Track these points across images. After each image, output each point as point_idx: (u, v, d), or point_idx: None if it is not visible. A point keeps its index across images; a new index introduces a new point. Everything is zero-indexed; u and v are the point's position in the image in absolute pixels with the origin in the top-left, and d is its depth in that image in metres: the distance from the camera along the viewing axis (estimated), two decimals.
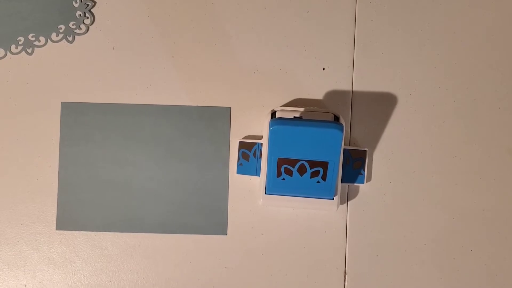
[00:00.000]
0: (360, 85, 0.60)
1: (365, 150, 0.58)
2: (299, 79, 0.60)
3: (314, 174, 0.52)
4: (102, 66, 0.60)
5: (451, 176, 0.59)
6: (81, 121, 0.60)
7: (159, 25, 0.60)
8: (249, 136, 0.59)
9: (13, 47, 0.60)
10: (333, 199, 0.55)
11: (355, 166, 0.58)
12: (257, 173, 0.57)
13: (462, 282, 0.58)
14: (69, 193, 0.59)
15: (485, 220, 0.59)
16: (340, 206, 0.59)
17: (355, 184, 0.58)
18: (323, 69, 0.60)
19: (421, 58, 0.60)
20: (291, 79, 0.60)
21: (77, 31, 0.60)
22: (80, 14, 0.60)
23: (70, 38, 0.60)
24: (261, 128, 0.59)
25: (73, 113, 0.60)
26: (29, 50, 0.60)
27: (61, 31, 0.60)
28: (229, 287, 0.59)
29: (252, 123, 0.59)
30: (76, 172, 0.60)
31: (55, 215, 0.59)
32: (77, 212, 0.59)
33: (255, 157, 0.57)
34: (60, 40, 0.60)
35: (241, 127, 0.59)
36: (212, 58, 0.60)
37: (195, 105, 0.60)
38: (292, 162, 0.52)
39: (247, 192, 0.59)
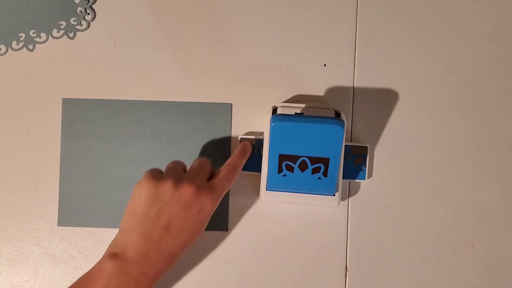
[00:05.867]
0: (361, 81, 0.60)
1: (366, 146, 0.58)
2: (300, 75, 0.60)
3: (315, 171, 0.52)
4: (103, 62, 0.60)
5: (452, 172, 0.59)
6: (82, 117, 0.60)
7: (160, 21, 0.60)
8: (250, 132, 0.59)
9: (14, 43, 0.60)
10: (334, 195, 0.55)
11: (356, 162, 0.58)
12: (258, 169, 0.57)
13: (463, 278, 0.58)
14: (71, 189, 0.59)
15: (486, 216, 0.59)
16: (341, 202, 0.59)
17: (356, 180, 0.58)
18: (324, 65, 0.60)
19: (422, 54, 0.60)
20: (292, 75, 0.60)
21: (78, 27, 0.60)
22: (81, 10, 0.60)
23: (71, 34, 0.60)
24: (263, 124, 0.59)
25: (74, 109, 0.60)
26: (30, 46, 0.60)
27: (62, 27, 0.60)
28: (231, 282, 0.59)
29: (253, 119, 0.59)
30: (77, 168, 0.60)
31: (57, 211, 0.59)
32: (78, 208, 0.59)
33: (256, 153, 0.57)
34: (61, 36, 0.60)
35: (243, 123, 0.59)
36: (213, 54, 0.60)
37: (197, 101, 0.60)
38: (293, 159, 0.52)
39: (248, 188, 0.59)
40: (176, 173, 0.51)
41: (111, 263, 0.48)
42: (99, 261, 0.50)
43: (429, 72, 0.60)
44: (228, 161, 0.54)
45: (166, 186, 0.49)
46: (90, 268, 0.47)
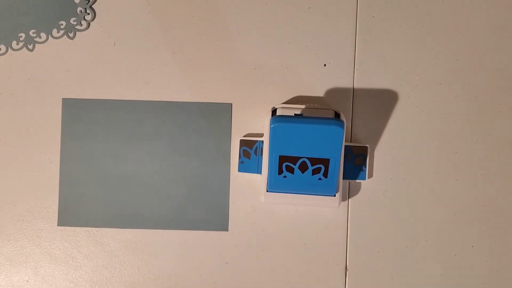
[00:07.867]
0: (361, 81, 0.60)
1: (366, 147, 0.58)
2: (300, 75, 0.60)
3: (316, 171, 0.52)
4: (103, 62, 0.60)
5: (452, 172, 0.59)
6: (82, 117, 0.60)
7: (160, 21, 0.60)
8: (250, 134, 0.59)
9: (14, 43, 0.60)
10: (334, 195, 0.55)
11: (356, 162, 0.58)
12: (258, 170, 0.57)
13: (463, 278, 0.58)
14: (71, 189, 0.59)
15: (486, 216, 0.59)
16: (341, 202, 0.59)
17: (357, 181, 0.58)
18: (324, 65, 0.60)
19: (422, 54, 0.60)
20: (292, 75, 0.60)
21: (78, 27, 0.60)
22: (81, 10, 0.60)
23: (71, 34, 0.60)
24: (262, 124, 0.59)
25: (74, 109, 0.60)
26: (30, 46, 0.60)
27: (62, 27, 0.60)
28: (230, 283, 0.59)
29: (253, 119, 0.59)
30: (77, 168, 0.60)
31: (57, 211, 0.59)
32: (78, 208, 0.59)
33: (256, 155, 0.57)
34: (61, 36, 0.60)
35: (242, 123, 0.59)
36: (213, 54, 0.60)
37: (196, 101, 0.60)
38: (294, 160, 0.52)
39: (248, 188, 0.59)
40: None
41: None
42: None
43: (429, 72, 0.60)
44: None
45: None
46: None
